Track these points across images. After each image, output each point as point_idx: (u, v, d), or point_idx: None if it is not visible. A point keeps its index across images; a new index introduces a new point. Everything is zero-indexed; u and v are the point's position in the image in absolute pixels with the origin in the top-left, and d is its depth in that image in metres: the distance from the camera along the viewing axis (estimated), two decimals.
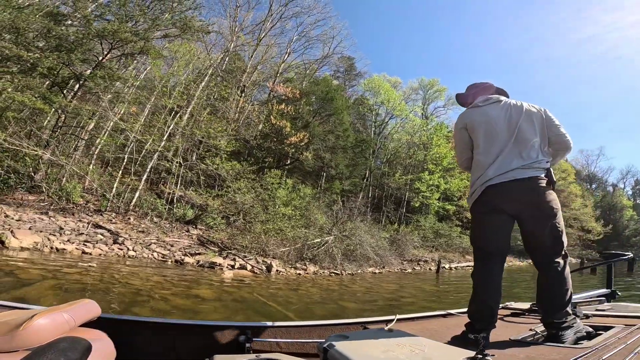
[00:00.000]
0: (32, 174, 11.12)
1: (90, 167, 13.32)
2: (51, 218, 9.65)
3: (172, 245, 10.33)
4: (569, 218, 41.29)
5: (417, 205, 23.84)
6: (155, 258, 9.05)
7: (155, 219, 12.56)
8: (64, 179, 12.02)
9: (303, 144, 15.63)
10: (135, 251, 9.10)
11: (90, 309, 1.13)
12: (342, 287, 8.59)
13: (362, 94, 26.94)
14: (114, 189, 12.23)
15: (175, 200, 13.02)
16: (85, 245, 8.47)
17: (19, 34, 8.62)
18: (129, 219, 11.89)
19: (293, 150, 15.86)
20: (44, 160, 11.35)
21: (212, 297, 5.83)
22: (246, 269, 9.41)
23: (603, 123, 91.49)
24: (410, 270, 15.16)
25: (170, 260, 9.08)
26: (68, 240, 8.43)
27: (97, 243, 8.85)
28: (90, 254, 8.14)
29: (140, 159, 13.08)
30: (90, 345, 0.86)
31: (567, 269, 1.68)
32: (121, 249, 8.96)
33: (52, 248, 7.76)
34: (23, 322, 0.84)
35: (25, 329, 0.82)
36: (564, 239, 1.70)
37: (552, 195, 1.71)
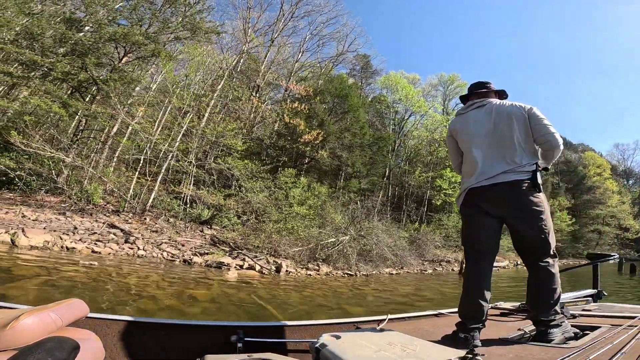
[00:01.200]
0: (55, 176, 11.32)
1: (111, 169, 13.50)
2: (68, 218, 9.70)
3: (183, 245, 10.12)
4: (606, 216, 38.30)
5: (439, 203, 22.64)
6: (164, 258, 8.83)
7: (170, 219, 12.47)
8: (85, 181, 12.20)
9: (318, 142, 15.10)
10: (145, 250, 8.93)
11: (78, 308, 1.08)
12: (353, 289, 7.97)
13: (380, 92, 26.10)
14: (130, 190, 12.26)
15: (189, 201, 12.87)
16: (96, 244, 8.38)
17: (34, 40, 8.70)
18: (145, 219, 11.85)
19: (308, 148, 15.38)
20: (66, 164, 11.53)
21: (206, 298, 5.42)
22: (254, 269, 9.00)
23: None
24: (430, 271, 14.23)
25: (178, 259, 8.82)
26: (80, 240, 8.37)
27: (108, 242, 8.75)
28: (100, 252, 8.01)
29: (157, 161, 13.07)
30: (78, 345, 0.84)
31: (556, 269, 1.67)
32: (132, 249, 8.82)
33: (62, 247, 7.68)
34: (9, 322, 0.80)
35: (11, 328, 0.79)
36: (551, 239, 1.69)
37: (536, 198, 1.68)
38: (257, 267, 9.15)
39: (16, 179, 10.21)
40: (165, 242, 9.91)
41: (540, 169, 1.76)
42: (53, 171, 11.32)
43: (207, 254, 9.66)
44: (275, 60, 18.30)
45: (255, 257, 10.25)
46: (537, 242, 1.67)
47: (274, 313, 4.90)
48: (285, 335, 1.66)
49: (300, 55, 20.23)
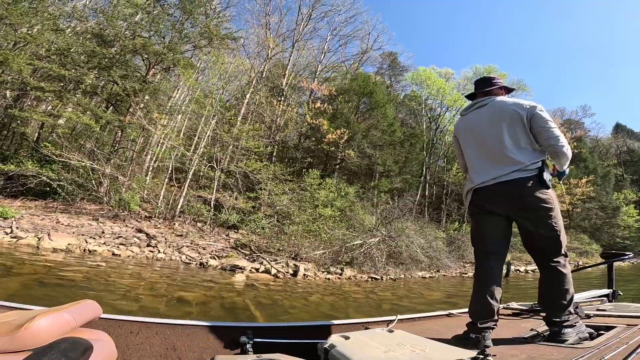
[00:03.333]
0: (95, 186, 11.90)
1: (147, 179, 13.99)
2: (100, 224, 10.00)
3: (204, 249, 9.93)
4: None
5: None
6: (181, 261, 8.65)
7: (198, 224, 12.51)
8: (123, 189, 12.69)
9: (343, 141, 14.32)
10: (165, 254, 8.83)
11: (91, 309, 1.06)
12: (370, 295, 7.05)
13: (412, 90, 24.60)
14: (161, 197, 12.51)
15: (214, 205, 12.81)
16: (118, 247, 8.43)
17: (64, 56, 9.15)
18: (174, 224, 11.96)
19: (333, 148, 14.66)
20: (104, 174, 12.07)
21: (197, 300, 4.95)
22: (270, 273, 8.45)
23: None
24: (472, 274, 12.62)
25: (195, 262, 8.58)
26: (104, 243, 8.49)
27: (130, 245, 8.79)
28: (119, 255, 8.02)
29: (184, 167, 13.23)
30: (92, 346, 0.85)
31: (568, 269, 1.61)
32: (152, 252, 8.77)
33: (84, 250, 7.80)
34: (24, 323, 0.79)
35: (26, 329, 0.78)
36: (562, 238, 1.62)
37: (544, 195, 1.61)
38: (273, 271, 8.60)
39: (58, 189, 10.84)
40: (187, 246, 9.79)
41: (548, 166, 1.68)
42: (93, 181, 11.94)
43: (225, 257, 9.34)
44: (299, 63, 18.05)
45: (275, 260, 9.74)
46: (547, 241, 1.61)
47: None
48: (294, 335, 1.61)
49: (322, 56, 19.77)
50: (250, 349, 1.42)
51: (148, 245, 9.10)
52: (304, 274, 8.79)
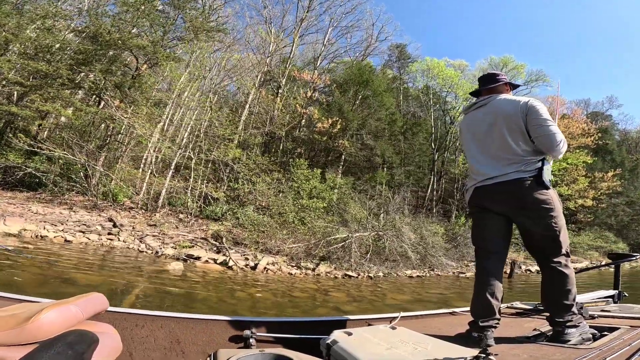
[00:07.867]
0: (83, 178, 11.89)
1: (138, 171, 13.87)
2: (72, 212, 9.82)
3: (171, 238, 9.42)
4: None
5: None
6: (137, 249, 8.17)
7: (181, 215, 12.12)
8: (112, 182, 12.61)
9: (336, 130, 13.33)
10: (124, 242, 8.44)
11: (98, 302, 1.06)
12: (316, 296, 6.06)
13: (416, 78, 23.06)
14: (143, 188, 12.29)
15: (196, 196, 12.36)
16: (74, 234, 8.11)
17: (50, 53, 9.07)
18: (155, 214, 11.64)
19: (325, 138, 13.69)
20: (88, 164, 12.01)
21: (87, 283, 4.37)
22: (226, 264, 7.73)
23: None
24: (470, 275, 11.14)
25: (150, 251, 8.07)
26: (62, 230, 8.22)
27: (90, 233, 8.47)
28: (72, 241, 7.69)
29: (167, 158, 12.93)
30: (98, 339, 0.84)
31: (570, 269, 1.58)
32: (110, 239, 8.40)
33: (36, 235, 7.53)
34: (32, 315, 0.80)
35: (34, 322, 0.78)
36: (563, 238, 1.58)
37: (543, 195, 1.56)
38: (231, 263, 7.86)
39: (44, 180, 10.86)
40: (153, 235, 9.33)
41: (548, 165, 1.61)
42: (81, 173, 11.95)
43: (186, 247, 8.76)
44: (298, 55, 17.33)
45: (243, 252, 9.05)
46: (547, 241, 1.57)
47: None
48: (297, 331, 1.57)
49: (323, 48, 18.84)
50: (254, 343, 1.40)
51: (109, 234, 8.73)
52: (265, 268, 7.98)
